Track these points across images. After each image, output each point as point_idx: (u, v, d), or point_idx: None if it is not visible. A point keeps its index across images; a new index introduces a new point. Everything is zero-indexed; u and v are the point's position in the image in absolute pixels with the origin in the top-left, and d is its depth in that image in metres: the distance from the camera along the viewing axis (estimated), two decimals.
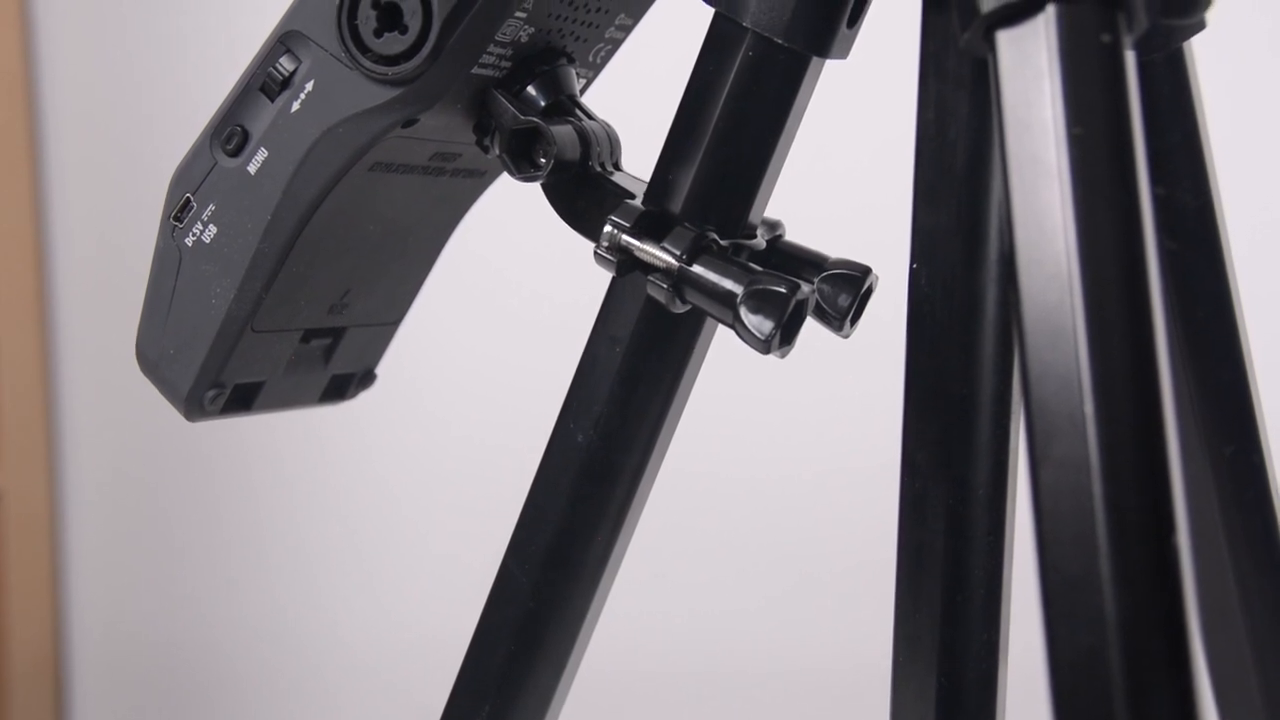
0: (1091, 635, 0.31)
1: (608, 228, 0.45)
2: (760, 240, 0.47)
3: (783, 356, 0.45)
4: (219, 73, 0.64)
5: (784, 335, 0.44)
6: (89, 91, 1.48)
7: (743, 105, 0.45)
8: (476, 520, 1.25)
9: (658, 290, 0.45)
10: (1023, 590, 0.39)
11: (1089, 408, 0.31)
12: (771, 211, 0.49)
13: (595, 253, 0.45)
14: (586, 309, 0.48)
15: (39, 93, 1.48)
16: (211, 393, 0.50)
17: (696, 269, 0.44)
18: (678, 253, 0.44)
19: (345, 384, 0.57)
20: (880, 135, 1.04)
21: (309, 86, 0.46)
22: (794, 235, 0.50)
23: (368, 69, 0.45)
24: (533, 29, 0.47)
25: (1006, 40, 0.34)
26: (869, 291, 0.48)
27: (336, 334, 0.55)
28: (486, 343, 1.34)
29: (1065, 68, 0.33)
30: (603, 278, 0.46)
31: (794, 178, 0.52)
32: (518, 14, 0.46)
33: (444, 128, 0.48)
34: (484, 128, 0.48)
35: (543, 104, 0.48)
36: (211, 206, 0.48)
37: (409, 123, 0.46)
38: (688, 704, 1.33)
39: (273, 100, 0.47)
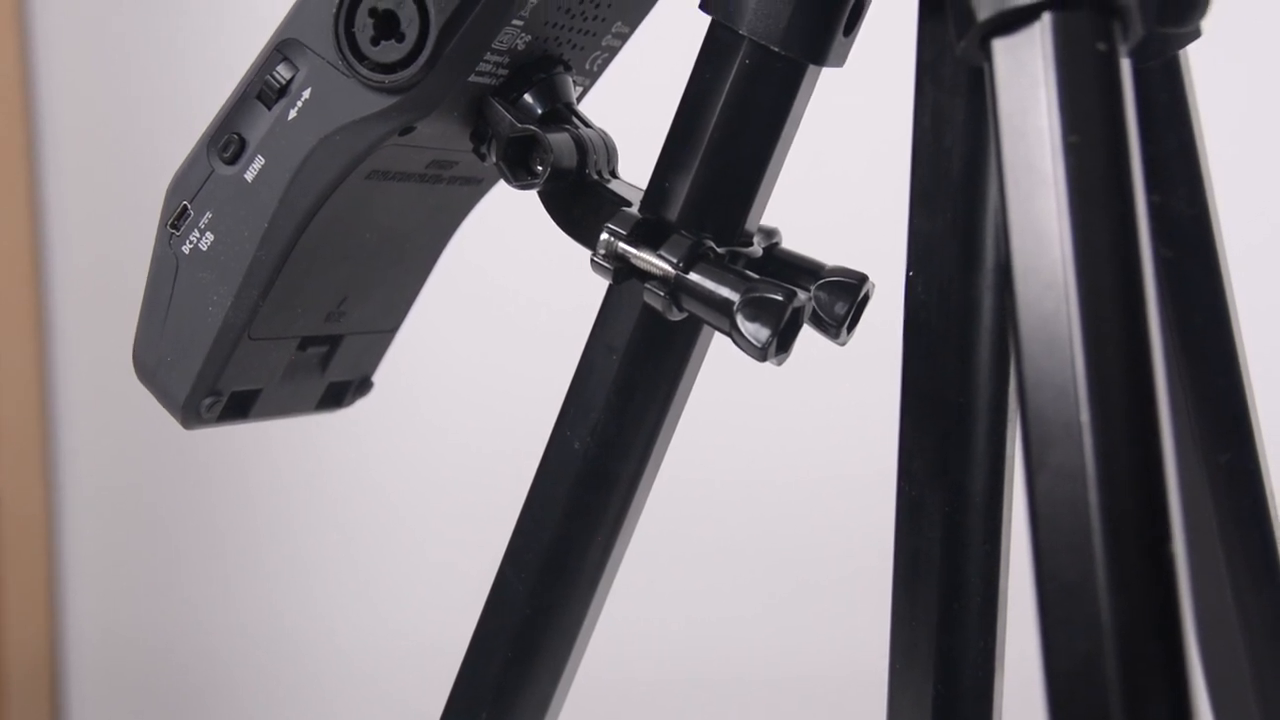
0: (1088, 643, 0.31)
1: (604, 235, 0.45)
2: (757, 248, 0.48)
3: (779, 364, 0.45)
4: (216, 80, 0.64)
5: (780, 343, 0.44)
6: (86, 99, 1.48)
7: (739, 113, 0.45)
8: (473, 527, 1.25)
9: (654, 298, 0.45)
10: (1019, 598, 0.39)
11: (1085, 415, 0.31)
12: (768, 219, 0.49)
13: (592, 260, 0.45)
14: (583, 316, 0.48)
15: (36, 99, 1.48)
16: (208, 400, 0.50)
17: (693, 277, 0.44)
18: (674, 260, 0.44)
19: (342, 391, 0.57)
20: (876, 143, 1.04)
21: (306, 94, 0.46)
22: (790, 243, 0.50)
23: (365, 77, 0.45)
24: (530, 37, 0.47)
25: (1002, 48, 0.35)
26: (865, 299, 0.48)
27: (333, 341, 0.55)
28: (483, 349, 1.34)
29: (1061, 76, 0.34)
30: (600, 284, 0.46)
31: (790, 185, 0.52)
32: (514, 22, 0.46)
33: (441, 135, 0.48)
34: (481, 135, 0.48)
35: (539, 112, 0.48)
36: (209, 214, 0.48)
37: (406, 130, 0.46)
38: (684, 711, 1.33)
39: (270, 108, 0.47)
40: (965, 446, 0.44)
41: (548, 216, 0.48)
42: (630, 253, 0.45)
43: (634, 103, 0.76)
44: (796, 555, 1.27)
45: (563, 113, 0.49)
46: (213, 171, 0.48)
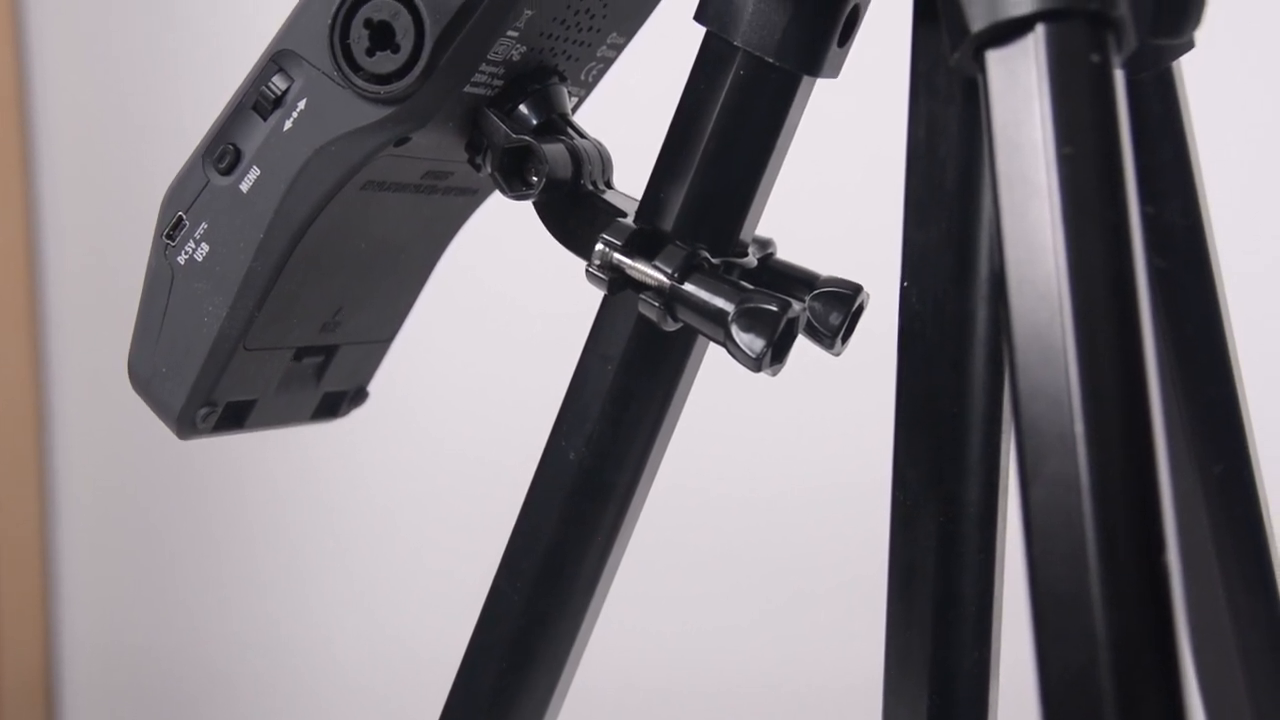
0: (1082, 653, 0.31)
1: (599, 246, 0.45)
2: (751, 258, 0.48)
3: (774, 375, 0.45)
4: (212, 90, 0.64)
5: (775, 353, 0.44)
6: (82, 108, 1.48)
7: (734, 124, 0.45)
8: (469, 535, 1.25)
9: (649, 308, 0.45)
10: (1014, 608, 0.39)
11: (1079, 426, 0.31)
12: (763, 229, 0.49)
13: (587, 271, 0.45)
14: (580, 324, 0.48)
15: (32, 108, 1.48)
16: (204, 411, 0.50)
17: (688, 287, 0.44)
18: (669, 271, 0.44)
19: (337, 402, 0.57)
20: (871, 154, 1.04)
21: (301, 105, 0.46)
22: (785, 253, 0.50)
23: (360, 88, 0.45)
24: (525, 48, 0.47)
25: (996, 60, 0.35)
26: (860, 309, 0.48)
27: (329, 352, 0.55)
28: (479, 358, 1.34)
29: (1055, 87, 0.34)
30: (595, 293, 0.46)
31: (785, 196, 0.52)
32: (510, 33, 0.46)
33: (436, 146, 0.48)
34: (476, 146, 0.48)
35: (535, 122, 0.48)
36: (204, 225, 0.48)
37: (401, 141, 0.46)
38: None
39: (265, 119, 0.47)
40: (960, 457, 0.44)
41: (543, 227, 0.48)
42: (625, 263, 0.45)
43: (629, 113, 0.76)
44: (791, 565, 1.27)
45: (558, 123, 0.49)
46: (208, 182, 0.48)
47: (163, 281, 0.49)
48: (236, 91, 0.48)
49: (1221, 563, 0.53)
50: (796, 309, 0.44)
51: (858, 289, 0.48)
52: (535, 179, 0.47)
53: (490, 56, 0.46)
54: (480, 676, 0.49)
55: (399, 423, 1.36)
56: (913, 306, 0.44)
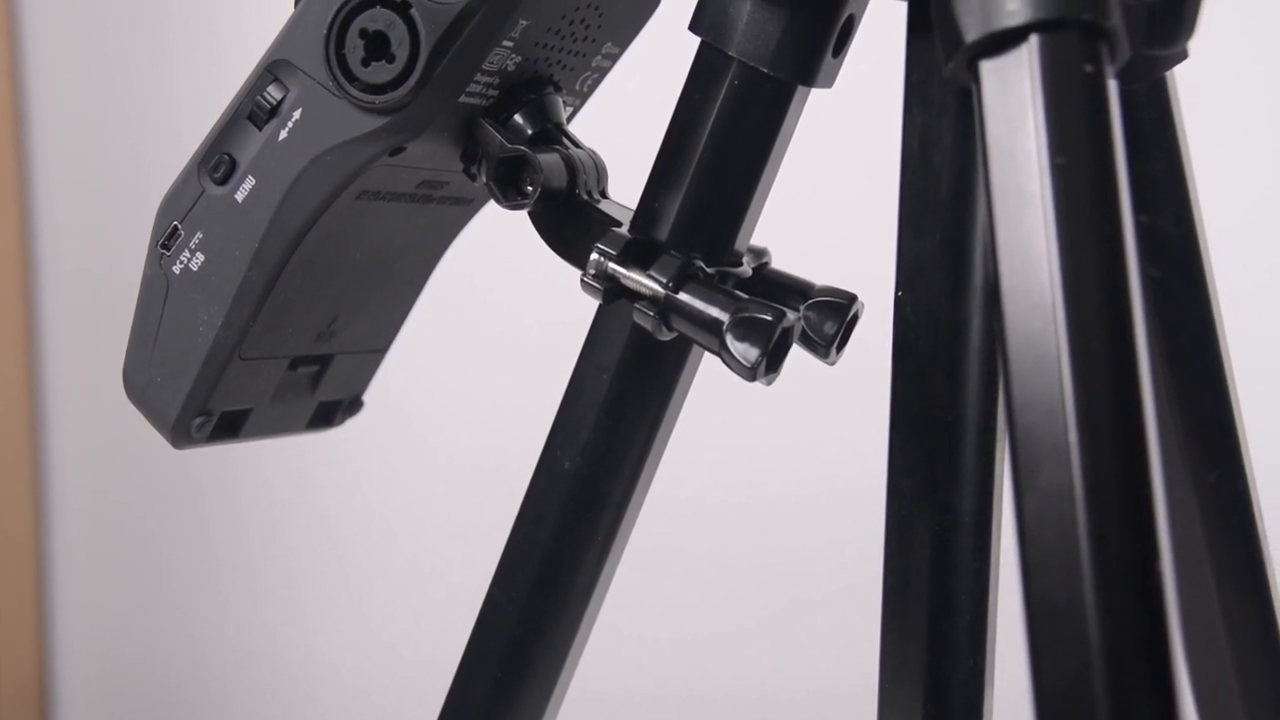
0: (1076, 662, 0.31)
1: (594, 255, 0.45)
2: (746, 268, 0.48)
3: (769, 384, 0.45)
4: (208, 99, 0.64)
5: (770, 363, 0.44)
6: (76, 117, 1.48)
7: (728, 134, 0.45)
8: (465, 543, 1.25)
9: (644, 318, 0.45)
10: (1008, 617, 0.39)
11: (1073, 436, 0.31)
12: (758, 239, 0.49)
13: (582, 280, 0.45)
14: (576, 332, 0.48)
15: (27, 116, 1.48)
16: (198, 420, 0.50)
17: (683, 297, 0.44)
18: (664, 280, 0.44)
19: (332, 411, 0.57)
20: (865, 164, 1.04)
21: (296, 115, 0.46)
22: (780, 263, 0.50)
23: (355, 97, 0.45)
24: (520, 58, 0.47)
25: (990, 70, 0.35)
26: (855, 319, 0.48)
27: (324, 361, 0.55)
28: (475, 365, 1.34)
29: (1048, 98, 0.34)
30: (591, 301, 0.46)
31: (780, 206, 0.52)
32: (505, 43, 0.46)
33: (431, 156, 0.48)
34: (471, 156, 0.48)
35: (530, 132, 0.48)
36: (199, 234, 0.48)
37: (396, 151, 0.46)
38: None
39: (260, 129, 0.47)
40: (954, 466, 0.44)
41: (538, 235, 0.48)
42: (620, 273, 0.45)
43: (624, 123, 0.76)
44: (786, 574, 1.27)
45: (553, 133, 0.49)
46: (203, 192, 0.48)
47: (158, 291, 0.49)
48: (232, 101, 0.48)
49: (1216, 571, 0.53)
50: (791, 318, 0.44)
51: (852, 298, 0.48)
52: (530, 189, 0.47)
53: (485, 66, 0.46)
54: (476, 685, 0.49)
55: (395, 430, 1.36)
56: (907, 316, 0.44)
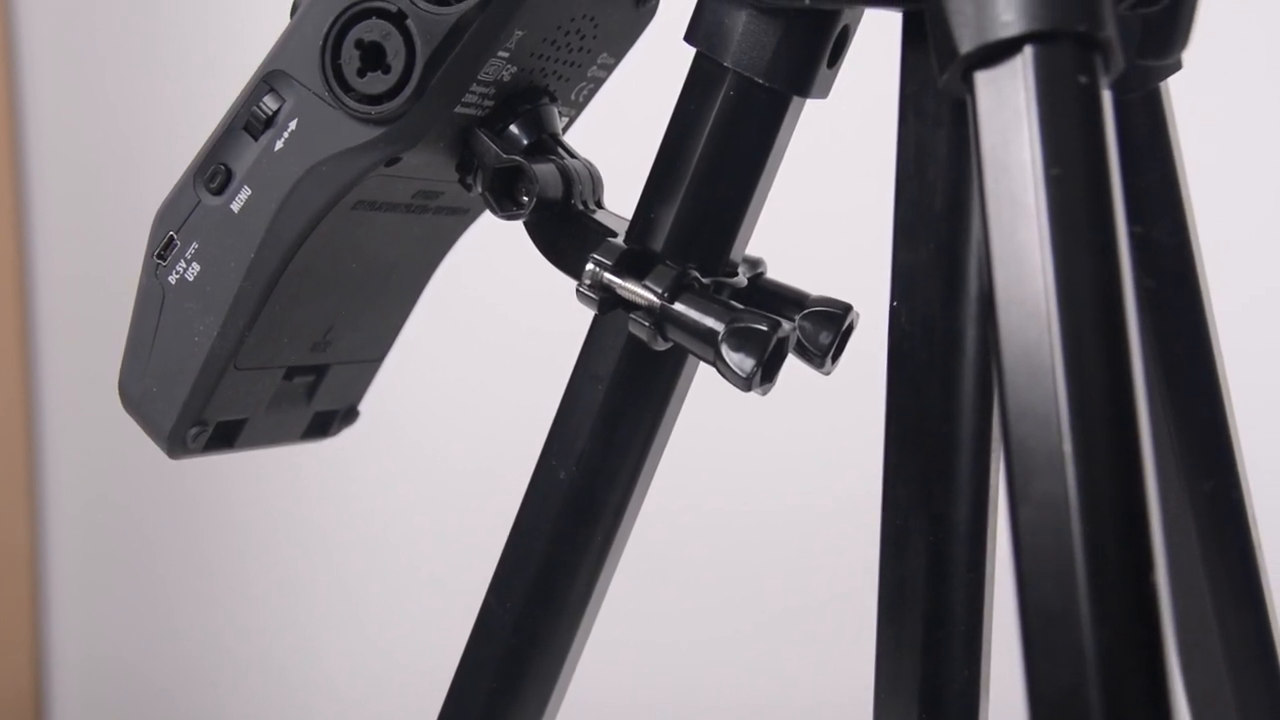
0: (1071, 672, 0.31)
1: (590, 266, 0.45)
2: (742, 278, 0.48)
3: (764, 394, 0.45)
4: (204, 109, 0.64)
5: (765, 373, 0.44)
6: (72, 126, 1.48)
7: (724, 144, 0.45)
8: (462, 552, 1.25)
9: (640, 328, 0.45)
10: (1003, 627, 0.39)
11: (1068, 446, 0.31)
12: (753, 249, 0.49)
13: (578, 290, 0.46)
14: (573, 340, 0.48)
15: (22, 125, 1.48)
16: (194, 430, 0.50)
17: (678, 307, 0.44)
18: (659, 291, 0.44)
19: (328, 421, 0.57)
20: (861, 174, 1.04)
21: (292, 125, 0.46)
22: (775, 273, 0.50)
23: (351, 108, 0.45)
24: (515, 68, 0.47)
25: (984, 81, 0.35)
26: (850, 329, 0.48)
27: (319, 371, 0.55)
28: (471, 373, 1.34)
29: (1043, 109, 0.34)
30: (587, 311, 0.46)
31: (775, 216, 0.52)
32: (500, 53, 0.46)
33: (427, 166, 0.48)
34: (467, 166, 0.48)
35: (525, 142, 0.48)
36: (195, 245, 0.48)
37: (392, 161, 0.46)
38: None
39: (256, 139, 0.47)
40: (949, 476, 0.44)
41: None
42: (615, 283, 0.45)
43: (619, 134, 0.76)
44: (781, 583, 1.27)
45: (548, 143, 0.49)
46: (199, 202, 0.48)
47: (154, 301, 0.49)
48: (228, 112, 0.48)
49: (1211, 580, 0.53)
50: (786, 328, 0.44)
51: (847, 308, 0.48)
52: (526, 199, 0.47)
53: (481, 77, 0.46)
54: (471, 694, 0.49)
55: (391, 438, 1.36)
56: (902, 326, 0.44)
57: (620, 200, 0.50)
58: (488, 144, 0.47)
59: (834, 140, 1.00)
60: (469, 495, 1.35)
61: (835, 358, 0.48)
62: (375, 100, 0.45)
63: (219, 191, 0.48)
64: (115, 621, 1.53)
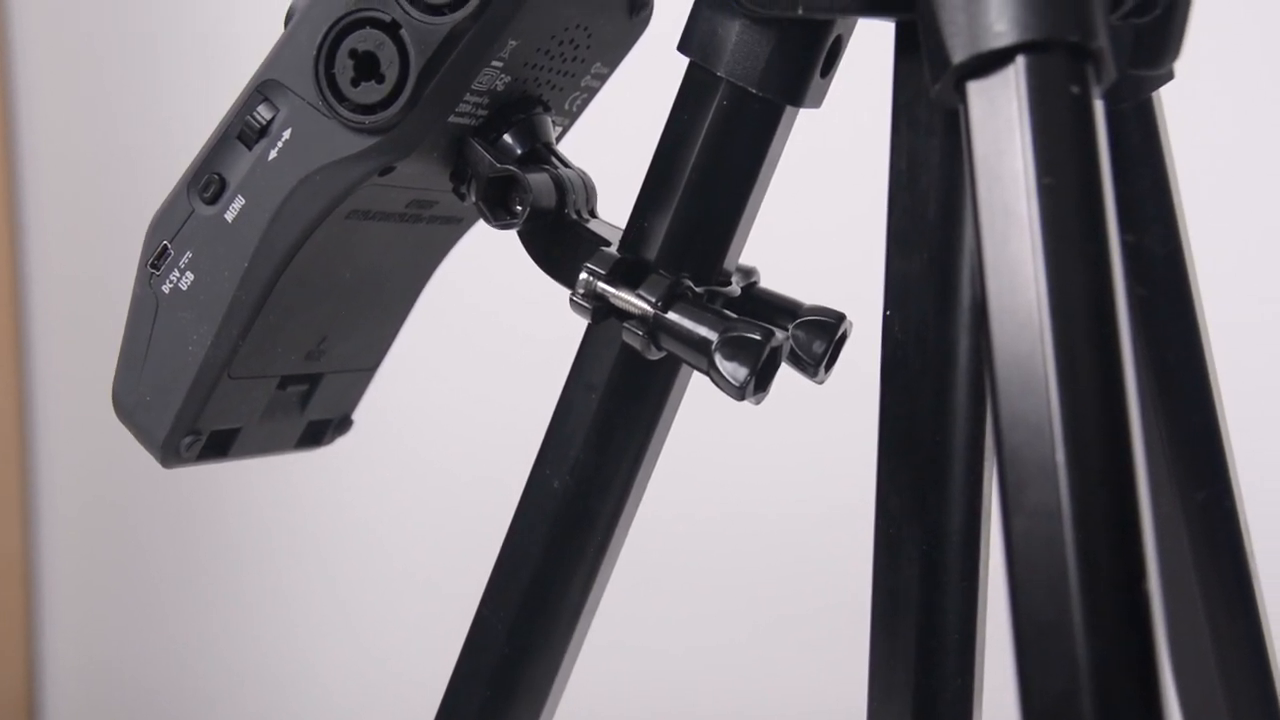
0: (1064, 681, 0.31)
1: (583, 275, 0.45)
2: (735, 287, 0.48)
3: (758, 403, 0.45)
4: (198, 118, 0.64)
5: (758, 382, 0.44)
6: (66, 137, 1.48)
7: (717, 154, 0.45)
8: (456, 559, 1.25)
9: (633, 337, 0.45)
10: (997, 635, 0.40)
11: (1060, 455, 0.32)
12: (746, 258, 0.49)
13: (571, 300, 0.46)
14: (568, 347, 0.48)
15: (16, 134, 1.48)
16: (188, 439, 0.50)
17: (671, 316, 0.44)
18: (653, 300, 0.44)
19: (322, 430, 0.57)
20: (853, 183, 1.05)
21: (286, 135, 0.46)
22: (769, 282, 0.50)
23: (345, 117, 0.45)
24: (509, 78, 0.47)
25: (977, 91, 0.35)
26: (843, 338, 0.48)
27: (313, 380, 0.55)
28: (466, 380, 1.34)
29: (1035, 119, 0.34)
30: (581, 318, 0.46)
31: (768, 225, 0.52)
32: (494, 63, 0.46)
33: (420, 175, 0.48)
34: (460, 175, 0.48)
35: (519, 152, 0.48)
36: (189, 254, 0.48)
37: (386, 170, 0.46)
38: None
39: (250, 148, 0.47)
40: (942, 485, 0.44)
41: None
42: (609, 292, 0.45)
43: (613, 143, 0.76)
44: (774, 592, 1.27)
45: (542, 153, 0.49)
46: (193, 211, 0.48)
47: (147, 310, 0.49)
48: (222, 121, 0.48)
49: (1204, 588, 0.53)
50: (780, 338, 0.44)
51: (841, 318, 0.48)
52: (519, 208, 0.47)
53: (475, 86, 0.46)
54: (465, 703, 0.49)
55: (385, 446, 1.36)
56: (895, 335, 0.44)
57: (614, 209, 0.50)
58: (481, 153, 0.47)
59: (827, 150, 1.00)
60: (463, 502, 1.35)
61: (829, 367, 0.48)
62: (369, 110, 0.45)
63: (213, 201, 0.48)
64: (108, 628, 1.53)
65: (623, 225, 0.47)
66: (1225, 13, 1.07)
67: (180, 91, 1.41)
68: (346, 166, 0.46)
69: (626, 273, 0.45)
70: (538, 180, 0.47)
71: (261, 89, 0.47)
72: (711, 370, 0.44)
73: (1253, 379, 1.09)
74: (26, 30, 1.47)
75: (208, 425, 0.51)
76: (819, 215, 1.17)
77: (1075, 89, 0.34)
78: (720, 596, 1.29)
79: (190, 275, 0.48)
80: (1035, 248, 0.33)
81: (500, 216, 0.47)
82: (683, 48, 0.45)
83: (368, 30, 0.45)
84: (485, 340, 1.33)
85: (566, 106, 0.52)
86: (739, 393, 0.43)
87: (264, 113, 0.47)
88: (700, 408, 0.59)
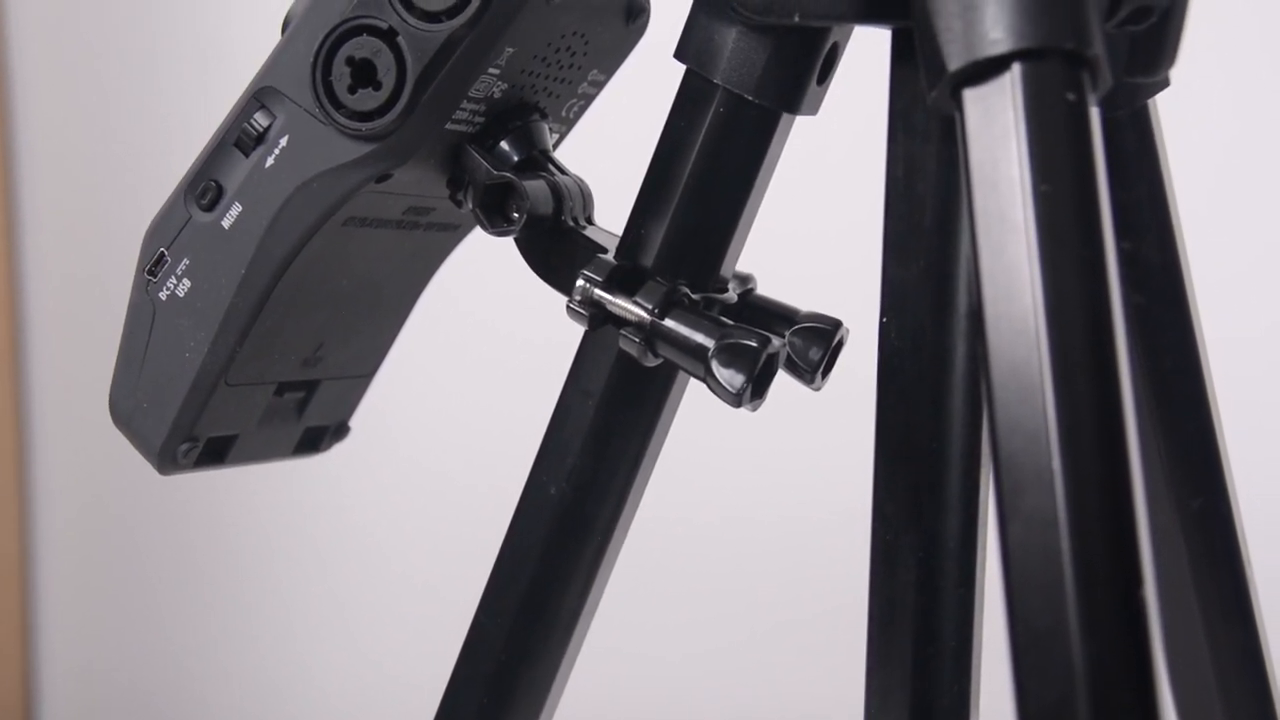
0: (1061, 688, 0.31)
1: (580, 282, 0.45)
2: (732, 294, 0.48)
3: (754, 410, 0.45)
4: (196, 124, 0.64)
5: (755, 389, 0.44)
6: (63, 142, 1.48)
7: (714, 161, 0.45)
8: (454, 565, 1.25)
9: (630, 344, 0.45)
10: (993, 642, 0.40)
11: (1056, 462, 0.32)
12: (743, 265, 0.49)
13: (568, 307, 0.46)
14: (566, 352, 0.48)
15: (13, 140, 1.48)
16: (184, 446, 0.50)
17: (668, 323, 0.44)
18: (650, 307, 0.44)
19: (319, 437, 0.57)
20: (850, 190, 1.05)
21: (283, 142, 0.46)
22: (765, 289, 0.50)
23: (342, 125, 0.45)
24: (506, 85, 0.47)
25: (973, 98, 0.35)
26: (840, 345, 0.48)
27: (310, 387, 0.55)
28: (463, 385, 1.34)
29: (1031, 126, 0.34)
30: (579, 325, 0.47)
31: (765, 232, 0.53)
32: (491, 70, 0.46)
33: (417, 182, 0.48)
34: (457, 182, 0.48)
35: (516, 159, 0.48)
36: (186, 261, 0.48)
37: (383, 178, 0.46)
38: None
39: (247, 155, 0.47)
40: (939, 492, 0.44)
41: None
42: (606, 299, 0.45)
43: (610, 150, 0.76)
44: (771, 598, 1.27)
45: (539, 160, 0.49)
46: (190, 218, 0.48)
47: (144, 317, 0.49)
48: (219, 128, 0.48)
49: (1200, 596, 0.53)
50: (776, 344, 0.44)
51: (837, 324, 0.48)
52: (516, 215, 0.47)
53: (472, 94, 0.46)
54: (462, 708, 0.49)
55: (383, 449, 1.36)
56: (892, 342, 0.44)
57: (611, 216, 0.50)
58: (478, 160, 0.47)
59: (824, 157, 1.00)
60: (460, 508, 1.35)
61: (825, 373, 0.48)
62: (366, 117, 0.45)
63: (210, 208, 0.48)
64: (105, 631, 1.53)
65: (620, 232, 0.47)
66: (1221, 20, 1.07)
67: (178, 97, 1.41)
68: (343, 173, 0.46)
69: (623, 280, 0.45)
70: (535, 187, 0.47)
71: (258, 96, 0.47)
72: (708, 377, 0.44)
73: (1250, 386, 1.09)
74: (24, 34, 1.47)
75: (205, 432, 0.51)
76: (816, 222, 1.17)
77: (1071, 96, 0.34)
78: (717, 602, 1.29)
79: (187, 282, 0.48)
80: (1031, 255, 0.33)
81: (497, 223, 0.47)
82: (679, 55, 0.45)
83: (365, 37, 0.45)
84: (483, 346, 1.33)
85: (563, 114, 0.52)
86: (736, 400, 0.43)
87: (261, 120, 0.47)
88: (697, 413, 0.59)
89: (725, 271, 0.47)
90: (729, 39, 0.44)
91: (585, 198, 0.49)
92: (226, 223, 0.48)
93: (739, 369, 0.43)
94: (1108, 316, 0.33)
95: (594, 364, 0.47)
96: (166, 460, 0.50)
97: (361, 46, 0.45)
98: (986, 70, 0.35)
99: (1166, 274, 0.51)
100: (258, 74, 0.47)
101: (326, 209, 0.47)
